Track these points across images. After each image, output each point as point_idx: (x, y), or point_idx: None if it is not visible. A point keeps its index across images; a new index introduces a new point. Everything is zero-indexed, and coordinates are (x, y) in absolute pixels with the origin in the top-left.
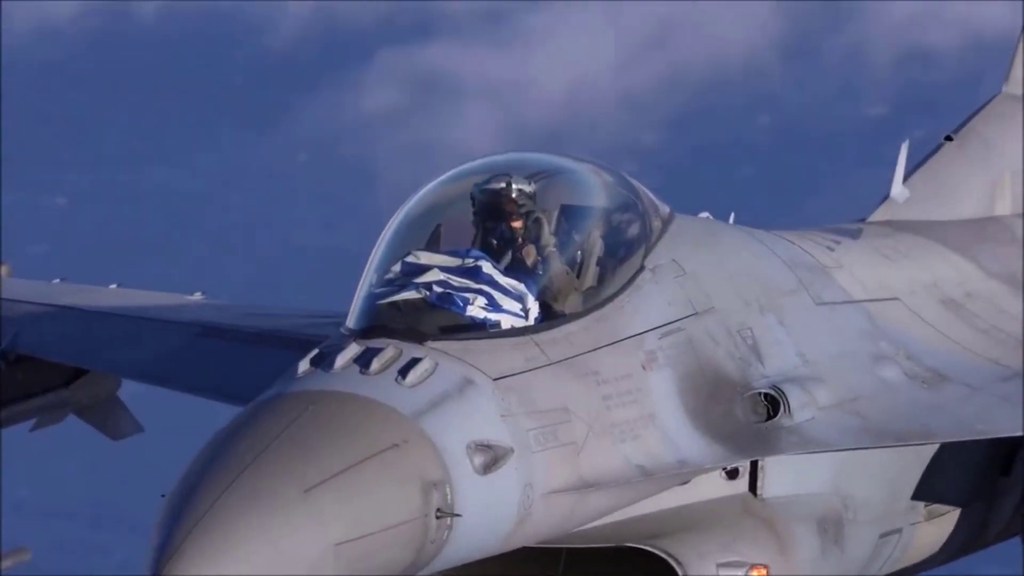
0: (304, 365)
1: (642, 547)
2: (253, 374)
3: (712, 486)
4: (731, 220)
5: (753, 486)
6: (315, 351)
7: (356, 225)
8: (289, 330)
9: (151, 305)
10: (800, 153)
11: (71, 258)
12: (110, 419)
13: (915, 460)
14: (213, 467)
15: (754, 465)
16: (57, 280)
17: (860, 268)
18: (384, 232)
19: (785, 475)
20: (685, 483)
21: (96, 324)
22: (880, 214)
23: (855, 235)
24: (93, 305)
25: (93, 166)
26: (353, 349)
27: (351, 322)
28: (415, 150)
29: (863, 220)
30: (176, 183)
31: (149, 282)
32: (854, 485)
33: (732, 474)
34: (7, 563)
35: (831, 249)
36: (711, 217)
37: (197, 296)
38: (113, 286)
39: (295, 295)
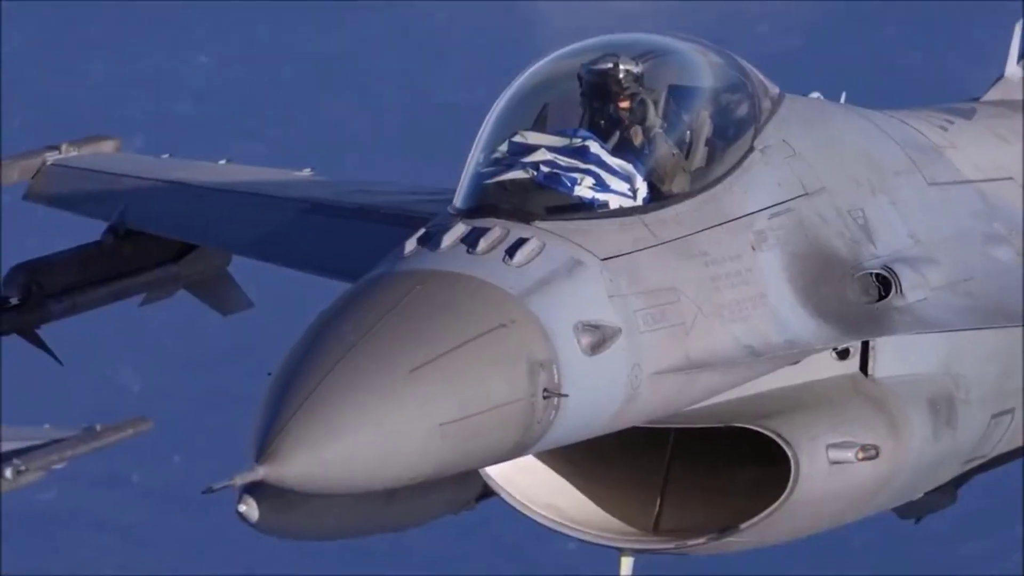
0: (411, 244)
1: (751, 427)
2: (358, 250)
3: (822, 366)
4: (842, 100)
5: (864, 366)
6: (422, 230)
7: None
8: (395, 206)
9: (260, 180)
10: None
11: (212, 116)
12: (220, 294)
13: None
14: (318, 346)
15: (865, 345)
16: (166, 155)
17: (974, 148)
18: (491, 111)
19: (896, 355)
20: (795, 363)
21: (204, 200)
22: (994, 93)
23: (969, 115)
24: (201, 180)
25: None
26: (460, 228)
27: (458, 201)
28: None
29: (977, 100)
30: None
31: (290, 140)
32: (966, 365)
33: (843, 354)
34: (131, 431)
35: (944, 129)
36: (822, 97)
37: (306, 172)
38: (222, 162)
39: (435, 154)
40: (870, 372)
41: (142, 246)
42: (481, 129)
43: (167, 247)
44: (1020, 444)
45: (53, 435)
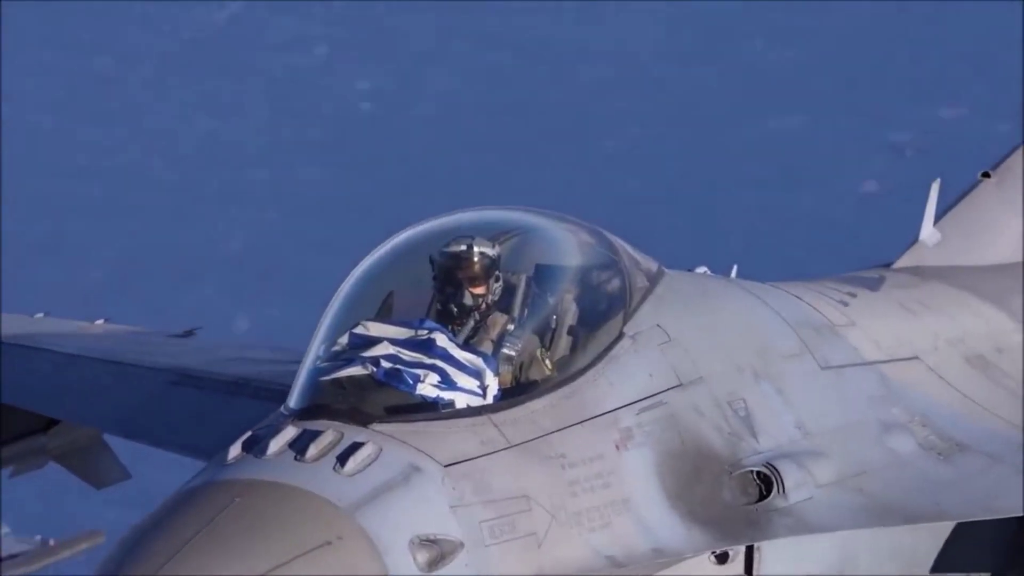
0: (236, 449)
1: None
2: (226, 427)
3: (701, 568)
4: (734, 273)
5: (749, 568)
6: (249, 433)
7: None
8: (272, 378)
9: (133, 344)
10: None
11: None
12: (94, 466)
13: (932, 532)
14: (127, 568)
15: (750, 547)
16: (40, 315)
17: (876, 324)
18: (332, 300)
19: (784, 556)
20: (666, 569)
21: (70, 369)
22: (907, 259)
23: (874, 286)
24: (68, 345)
25: None
26: (289, 432)
27: (292, 400)
28: None
29: (888, 265)
30: None
31: None
32: (862, 564)
33: (722, 558)
34: (84, 545)
35: (845, 304)
36: (708, 272)
37: (188, 332)
38: (100, 321)
39: None
40: (754, 573)
41: (6, 416)
42: (321, 319)
43: (35, 416)
44: None
45: (12, 549)
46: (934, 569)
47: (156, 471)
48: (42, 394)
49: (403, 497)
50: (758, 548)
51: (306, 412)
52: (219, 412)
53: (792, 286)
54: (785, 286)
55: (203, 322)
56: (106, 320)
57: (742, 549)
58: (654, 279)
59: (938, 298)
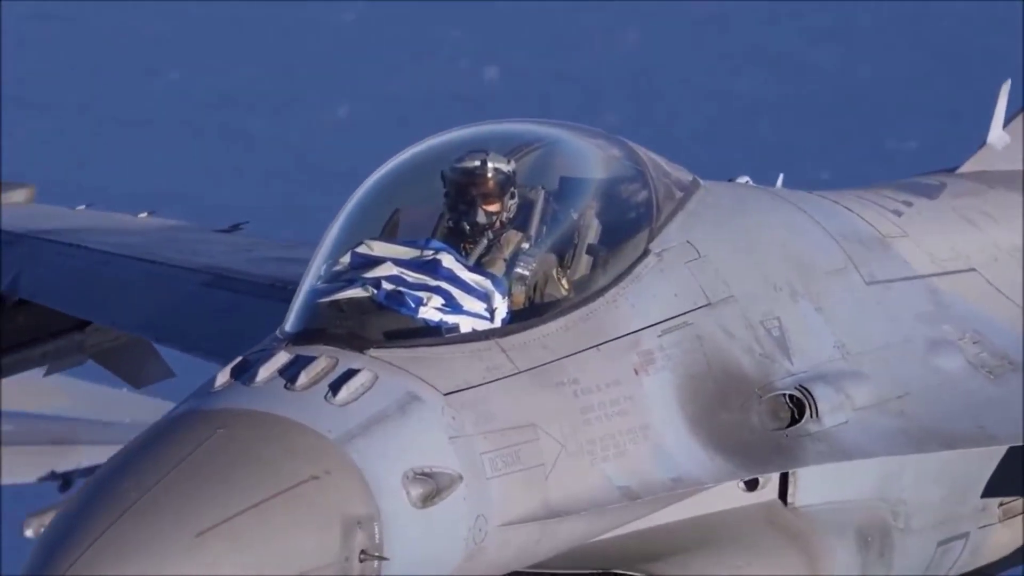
0: (223, 376)
1: (632, 574)
2: (256, 331)
3: (729, 497)
4: (779, 183)
5: (784, 493)
6: (239, 358)
7: None
8: None
9: (170, 241)
10: None
11: None
12: (135, 364)
13: (982, 453)
14: (96, 503)
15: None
16: (82, 207)
17: (931, 235)
18: (336, 217)
19: (821, 480)
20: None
21: (103, 267)
22: (973, 164)
23: (933, 193)
24: (104, 242)
25: None
26: (281, 358)
27: (287, 323)
28: None
29: (953, 170)
30: None
31: None
32: (906, 489)
33: (751, 485)
34: None
35: (899, 213)
36: (750, 182)
37: (238, 228)
38: (144, 215)
39: None
40: (790, 500)
41: (39, 313)
42: (323, 237)
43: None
44: (979, 566)
45: None
46: (985, 493)
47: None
48: (71, 294)
49: (398, 428)
50: (793, 473)
51: (301, 336)
52: (251, 315)
53: (843, 195)
54: (835, 195)
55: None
56: (150, 213)
57: (775, 474)
58: (687, 192)
59: (1002, 205)
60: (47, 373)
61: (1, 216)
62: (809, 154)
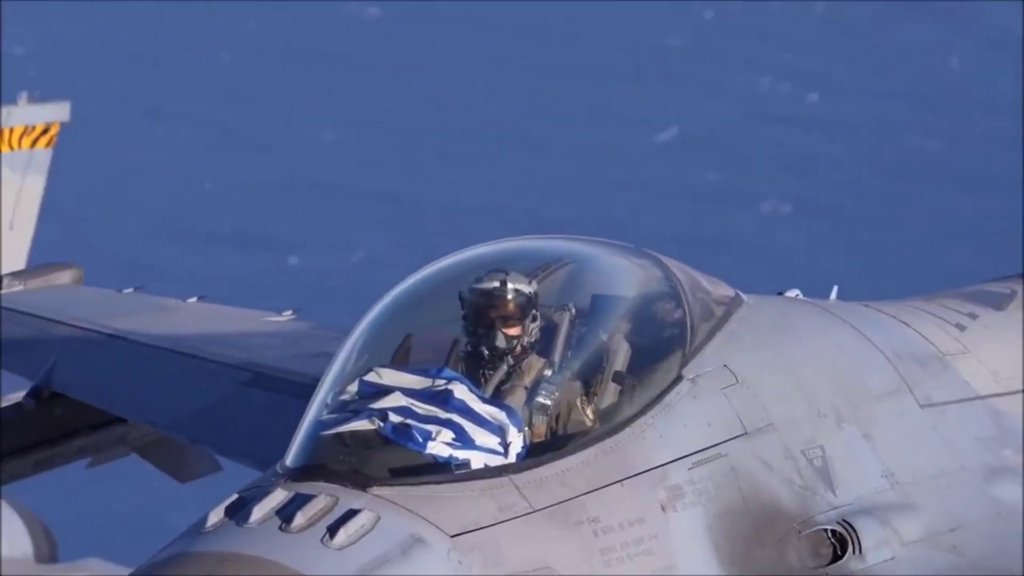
0: (217, 514)
1: None
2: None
3: None
4: (833, 296)
5: None
6: (234, 496)
7: None
8: None
9: (213, 334)
10: None
11: None
12: (180, 457)
13: None
14: None
15: None
16: (130, 289)
17: (996, 351)
18: (344, 341)
19: None
20: None
21: (139, 360)
22: None
23: (1002, 303)
24: (146, 334)
25: None
26: (278, 496)
27: (287, 458)
28: None
29: None
30: None
31: None
32: None
33: None
34: None
35: (961, 327)
36: (800, 295)
37: (286, 316)
38: (193, 300)
39: None
40: None
41: (80, 405)
42: (329, 364)
43: None
44: None
45: None
46: None
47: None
48: (106, 388)
49: (399, 574)
50: None
51: (301, 472)
52: (289, 418)
53: (900, 307)
54: (891, 308)
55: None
56: (200, 298)
57: None
58: (728, 310)
59: None
60: (89, 466)
61: (41, 302)
62: None
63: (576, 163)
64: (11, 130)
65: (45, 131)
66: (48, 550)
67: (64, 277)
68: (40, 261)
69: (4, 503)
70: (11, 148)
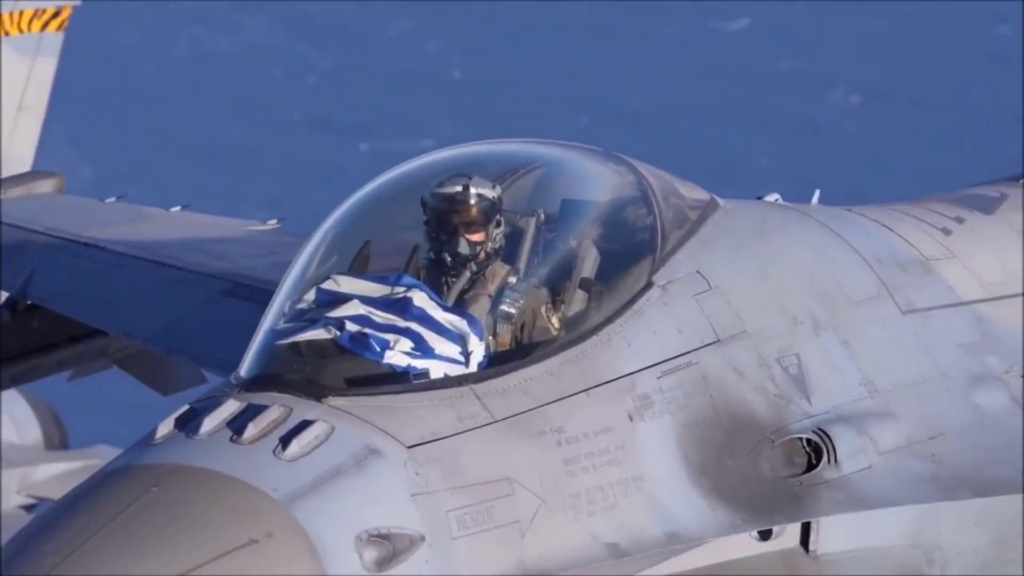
0: (165, 427)
1: None
2: None
3: (744, 546)
4: (815, 200)
5: (805, 539)
6: (185, 407)
7: None
8: None
9: (194, 240)
10: None
11: None
12: (163, 369)
13: None
14: (14, 566)
15: None
16: (112, 199)
17: (982, 255)
18: (301, 249)
19: (847, 526)
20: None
21: (117, 270)
22: None
23: (990, 207)
24: (123, 242)
25: None
26: (230, 407)
27: (241, 368)
28: None
29: (1019, 178)
30: None
31: None
32: (943, 533)
33: (765, 535)
34: None
35: (947, 231)
36: (779, 199)
37: (271, 224)
38: (176, 208)
39: None
40: (812, 548)
41: (59, 318)
42: (286, 272)
43: None
44: None
45: None
46: None
47: None
48: (82, 299)
49: (353, 485)
50: (815, 519)
51: (254, 383)
52: None
53: (884, 212)
54: (874, 212)
55: None
56: (184, 207)
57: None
58: (702, 215)
59: None
60: (71, 379)
61: (19, 212)
62: None
63: (648, 52)
64: (20, 13)
65: (56, 14)
66: (58, 437)
67: (45, 186)
68: (57, 154)
69: (14, 391)
70: (20, 31)
